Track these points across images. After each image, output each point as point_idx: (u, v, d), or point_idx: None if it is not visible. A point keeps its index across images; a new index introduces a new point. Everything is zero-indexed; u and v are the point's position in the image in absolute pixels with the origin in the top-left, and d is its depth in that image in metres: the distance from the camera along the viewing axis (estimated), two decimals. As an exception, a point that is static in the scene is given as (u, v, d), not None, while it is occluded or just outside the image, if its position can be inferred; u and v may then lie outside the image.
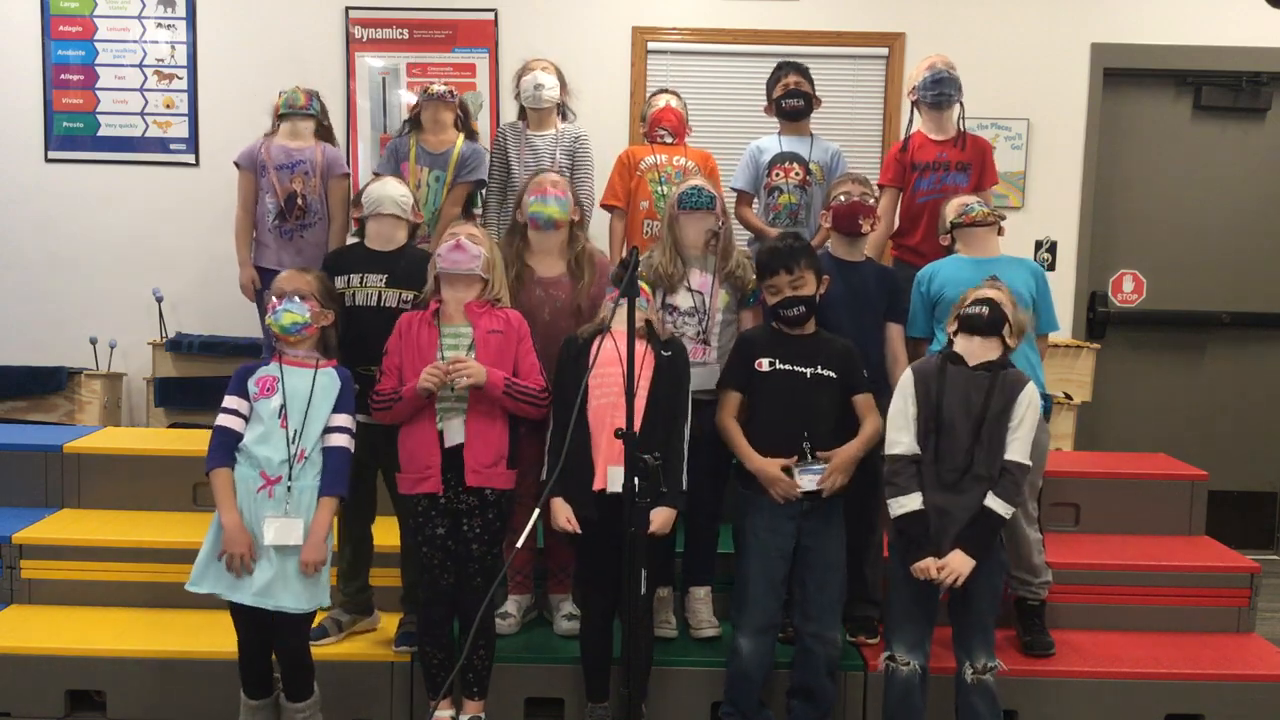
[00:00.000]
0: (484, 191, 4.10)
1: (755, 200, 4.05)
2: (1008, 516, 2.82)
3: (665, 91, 4.15)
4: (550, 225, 3.25)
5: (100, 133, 4.97)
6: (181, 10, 4.92)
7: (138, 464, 3.85)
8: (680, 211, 3.26)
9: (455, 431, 2.90)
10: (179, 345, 4.65)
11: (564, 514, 2.90)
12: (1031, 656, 3.28)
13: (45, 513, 3.76)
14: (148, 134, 4.97)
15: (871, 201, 3.33)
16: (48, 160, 4.98)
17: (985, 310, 2.83)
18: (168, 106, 4.96)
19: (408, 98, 4.81)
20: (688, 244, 3.25)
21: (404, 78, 4.92)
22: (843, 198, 3.30)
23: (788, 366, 2.99)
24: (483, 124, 4.84)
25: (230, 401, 2.85)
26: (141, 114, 4.97)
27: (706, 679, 3.16)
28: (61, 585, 3.51)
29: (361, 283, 3.18)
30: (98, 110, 4.96)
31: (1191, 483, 3.90)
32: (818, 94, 4.02)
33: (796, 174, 3.93)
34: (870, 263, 3.43)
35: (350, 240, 3.75)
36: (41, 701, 3.21)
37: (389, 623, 3.36)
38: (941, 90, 3.78)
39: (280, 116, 3.93)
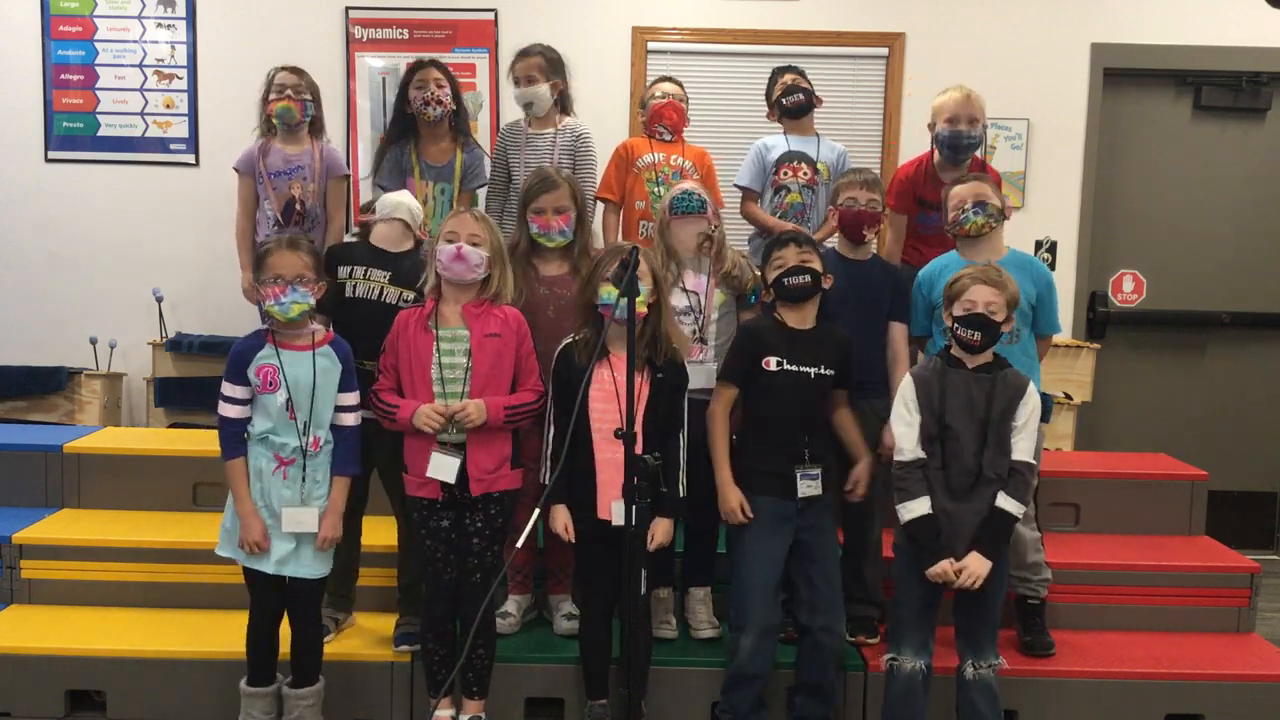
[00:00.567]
0: (485, 192, 4.08)
1: (760, 198, 4.03)
2: (1020, 516, 2.85)
3: (667, 80, 4.10)
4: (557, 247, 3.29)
5: (100, 133, 4.97)
6: (181, 10, 4.91)
7: (138, 464, 3.84)
8: (672, 216, 3.26)
9: (449, 471, 2.88)
10: (179, 345, 4.64)
11: (563, 521, 2.91)
12: (1032, 656, 3.27)
13: (45, 513, 3.75)
14: (148, 134, 4.97)
15: (878, 209, 3.31)
16: (48, 160, 4.98)
17: (977, 336, 2.82)
18: (168, 106, 4.96)
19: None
20: (680, 248, 3.26)
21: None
22: (850, 203, 3.28)
23: (794, 368, 2.98)
24: (483, 124, 4.85)
25: (231, 390, 2.86)
26: (141, 114, 4.96)
27: (706, 679, 3.16)
28: (61, 585, 3.50)
29: (365, 275, 3.18)
30: (98, 110, 4.96)
31: (1191, 483, 3.89)
32: (817, 94, 4.00)
33: (804, 173, 3.92)
34: (876, 260, 3.41)
35: (349, 239, 3.74)
36: (41, 701, 3.20)
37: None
38: (958, 157, 3.64)
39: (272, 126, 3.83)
